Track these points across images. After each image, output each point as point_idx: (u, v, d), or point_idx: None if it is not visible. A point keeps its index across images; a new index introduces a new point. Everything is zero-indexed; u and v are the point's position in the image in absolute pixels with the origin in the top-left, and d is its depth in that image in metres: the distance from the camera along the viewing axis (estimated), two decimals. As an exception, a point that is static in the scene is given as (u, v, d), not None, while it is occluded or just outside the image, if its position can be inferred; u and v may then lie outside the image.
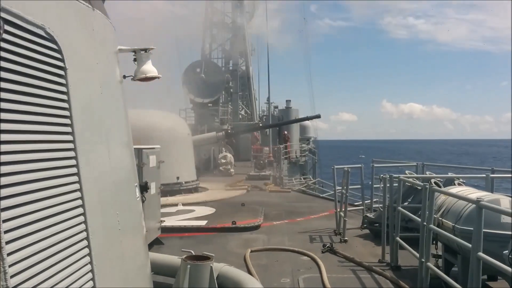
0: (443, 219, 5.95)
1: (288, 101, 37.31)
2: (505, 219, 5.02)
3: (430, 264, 5.65)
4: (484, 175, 7.91)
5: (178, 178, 15.45)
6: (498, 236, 5.02)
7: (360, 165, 11.27)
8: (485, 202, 4.35)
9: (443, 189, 6.81)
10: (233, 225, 9.98)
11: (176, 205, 12.69)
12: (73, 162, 2.58)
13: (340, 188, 9.89)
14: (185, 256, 5.08)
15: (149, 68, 3.83)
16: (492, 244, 4.91)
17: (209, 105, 31.24)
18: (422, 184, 6.11)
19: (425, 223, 5.74)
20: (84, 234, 2.60)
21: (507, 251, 4.33)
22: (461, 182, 7.42)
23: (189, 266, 4.88)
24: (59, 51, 2.43)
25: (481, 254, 4.21)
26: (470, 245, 4.38)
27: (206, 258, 5.03)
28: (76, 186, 2.59)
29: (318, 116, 26.25)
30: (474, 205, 4.43)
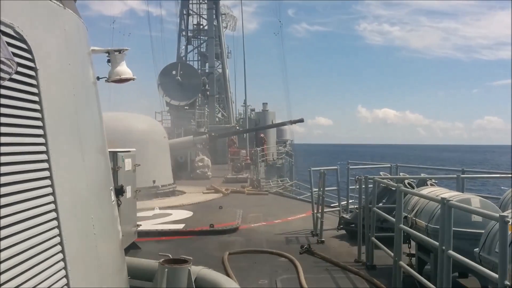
0: (416, 219, 6.08)
1: (264, 104, 37.41)
2: (476, 217, 5.18)
3: (403, 263, 5.77)
4: (455, 176, 8.15)
5: (154, 181, 15.25)
6: (468, 235, 5.17)
7: (336, 167, 11.40)
8: (453, 202, 4.50)
9: (414, 190, 6.97)
10: (211, 228, 9.92)
11: (152, 209, 12.52)
12: (45, 165, 2.52)
13: (317, 189, 9.98)
14: (163, 259, 5.03)
15: (124, 70, 3.79)
16: (463, 242, 5.06)
17: (185, 108, 31.00)
18: (396, 185, 6.24)
19: (401, 224, 5.86)
20: (58, 239, 2.55)
21: (477, 249, 4.46)
22: (434, 182, 7.61)
23: (166, 269, 4.83)
24: (29, 51, 2.37)
25: (451, 252, 4.33)
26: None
27: (184, 261, 4.99)
28: (49, 190, 2.53)
29: (301, 120, 26.25)
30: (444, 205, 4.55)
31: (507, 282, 3.39)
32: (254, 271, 6.98)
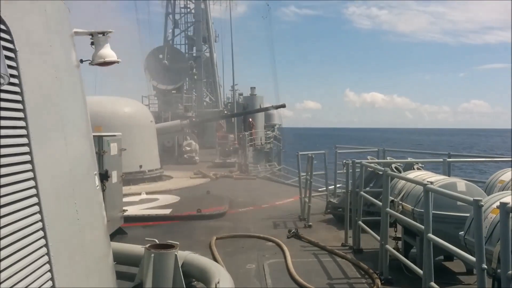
0: (403, 203, 6.14)
1: (252, 88, 37.18)
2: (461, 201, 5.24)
3: (389, 247, 5.84)
4: (441, 160, 8.23)
5: (141, 166, 15.14)
6: (453, 218, 5.24)
7: (323, 151, 11.44)
8: (431, 186, 4.53)
9: (400, 174, 7.02)
10: (198, 213, 9.91)
11: (139, 194, 12.44)
12: (26, 149, 2.46)
13: (305, 174, 10.01)
14: (149, 245, 5.00)
15: (108, 52, 3.69)
16: (449, 226, 5.12)
17: (172, 92, 30.69)
18: (383, 169, 6.27)
19: (387, 208, 5.90)
20: (40, 225, 2.50)
21: (462, 232, 4.52)
22: (420, 166, 7.67)
23: (152, 254, 4.81)
24: (7, 32, 2.28)
25: (430, 235, 4.38)
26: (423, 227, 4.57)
27: (170, 246, 4.97)
28: (30, 174, 2.47)
29: (283, 106, 26.55)
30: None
31: (484, 266, 3.44)
32: (241, 256, 7.00)
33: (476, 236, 3.54)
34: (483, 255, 3.48)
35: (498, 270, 3.50)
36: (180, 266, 4.86)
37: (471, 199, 3.65)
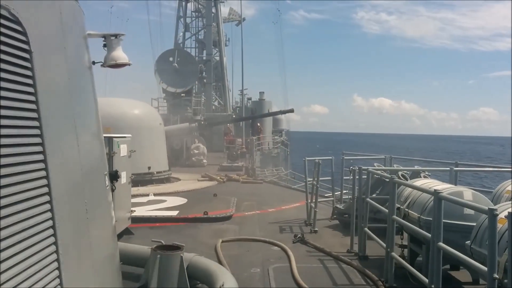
0: (409, 210, 6.13)
1: (261, 93, 37.32)
2: (468, 210, 5.22)
3: (395, 254, 5.82)
4: (448, 168, 8.19)
5: (149, 168, 15.24)
6: (460, 227, 5.22)
7: (330, 157, 11.43)
8: (444, 194, 4.51)
9: (407, 181, 7.00)
10: (205, 216, 9.95)
11: (147, 195, 12.53)
12: (39, 148, 2.51)
13: (311, 179, 10.01)
14: (155, 246, 5.05)
15: (120, 55, 3.76)
16: (455, 235, 5.10)
17: (182, 95, 30.84)
18: (389, 176, 6.26)
19: (394, 216, 5.89)
20: (50, 223, 2.54)
21: (469, 241, 4.50)
22: (427, 174, 7.64)
23: (158, 256, 4.85)
24: (24, 33, 2.33)
25: (441, 244, 4.36)
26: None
27: (176, 248, 5.02)
28: (42, 173, 2.52)
29: (291, 111, 26.56)
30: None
31: (495, 275, 3.41)
32: (246, 259, 7.02)
33: (490, 245, 3.50)
34: (495, 264, 3.45)
35: (505, 280, 3.48)
36: (185, 268, 4.89)
37: (486, 208, 3.63)
